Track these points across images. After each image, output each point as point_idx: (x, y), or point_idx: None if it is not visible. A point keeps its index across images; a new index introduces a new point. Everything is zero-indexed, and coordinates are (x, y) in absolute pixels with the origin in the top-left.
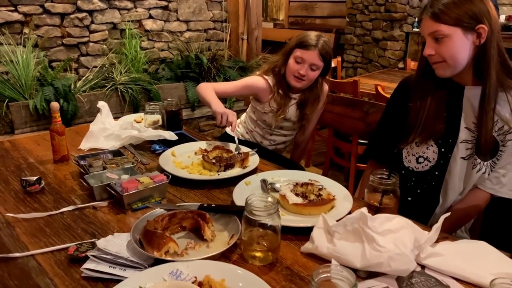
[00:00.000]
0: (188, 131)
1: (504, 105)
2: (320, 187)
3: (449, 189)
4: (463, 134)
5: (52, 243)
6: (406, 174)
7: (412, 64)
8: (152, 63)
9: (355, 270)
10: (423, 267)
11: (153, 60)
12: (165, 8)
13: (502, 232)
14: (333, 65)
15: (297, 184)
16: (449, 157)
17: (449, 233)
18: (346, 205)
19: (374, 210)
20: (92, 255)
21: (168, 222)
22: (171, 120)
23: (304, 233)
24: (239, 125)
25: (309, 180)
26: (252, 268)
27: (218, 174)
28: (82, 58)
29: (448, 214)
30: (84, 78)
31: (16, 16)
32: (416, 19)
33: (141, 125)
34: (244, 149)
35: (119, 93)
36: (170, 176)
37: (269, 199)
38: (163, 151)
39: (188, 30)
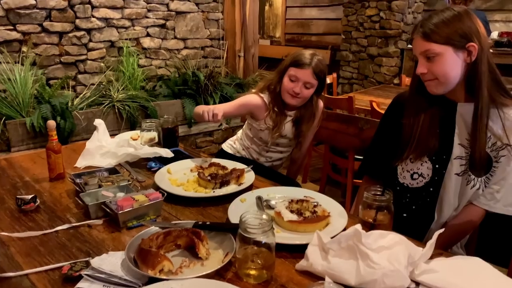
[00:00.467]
0: (184, 148)
1: (496, 121)
2: (315, 203)
3: (444, 205)
4: (457, 150)
5: (46, 262)
6: (401, 190)
7: (407, 80)
8: (150, 80)
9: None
10: (417, 283)
11: (151, 78)
12: (162, 26)
13: (498, 248)
14: (328, 81)
15: (292, 201)
16: (444, 173)
17: (444, 249)
18: (341, 221)
19: (369, 226)
20: (86, 274)
21: (163, 240)
22: (168, 137)
23: (299, 251)
24: (235, 142)
25: (304, 196)
26: (247, 286)
27: (214, 191)
28: (79, 76)
29: (442, 230)
30: (81, 95)
31: (14, 35)
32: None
33: (137, 143)
34: (239, 166)
35: (116, 110)
36: (165, 194)
37: (264, 216)
38: (159, 168)
39: (185, 47)
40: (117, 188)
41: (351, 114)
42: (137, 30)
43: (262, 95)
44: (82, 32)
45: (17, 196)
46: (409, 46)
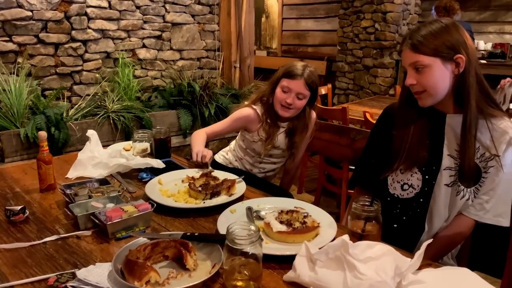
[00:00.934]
0: (176, 158)
1: (485, 132)
2: (305, 214)
3: (434, 216)
4: (446, 161)
5: (33, 274)
6: (391, 201)
7: None
8: (145, 91)
9: None
10: None
11: (146, 88)
12: (158, 37)
13: (490, 259)
14: (323, 92)
15: (282, 211)
16: (433, 184)
17: (435, 260)
18: (330, 232)
19: (358, 237)
20: (71, 286)
21: (150, 252)
22: (160, 148)
23: (288, 262)
24: (227, 153)
25: (295, 207)
26: None
27: (204, 202)
28: (75, 87)
29: (430, 241)
30: (76, 106)
31: (10, 46)
32: None
33: (129, 153)
34: (231, 176)
35: (111, 121)
36: (155, 205)
37: (251, 227)
38: (150, 179)
39: (181, 58)
40: (107, 199)
41: (344, 125)
42: (133, 41)
43: (255, 107)
44: (78, 43)
45: (6, 207)
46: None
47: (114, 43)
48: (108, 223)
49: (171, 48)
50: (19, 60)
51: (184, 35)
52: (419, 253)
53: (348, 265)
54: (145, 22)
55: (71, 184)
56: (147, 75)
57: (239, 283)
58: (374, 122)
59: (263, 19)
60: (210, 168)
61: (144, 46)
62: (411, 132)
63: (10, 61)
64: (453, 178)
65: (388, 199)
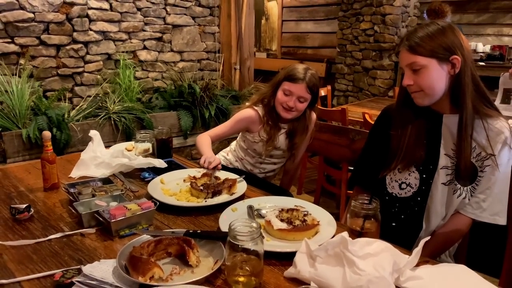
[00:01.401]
0: (178, 158)
1: (480, 131)
2: (305, 212)
3: (432, 214)
4: (443, 160)
5: (38, 270)
6: (390, 200)
7: None
8: (146, 92)
9: None
10: None
11: (147, 90)
12: (159, 39)
13: (488, 258)
14: (323, 93)
15: (282, 210)
16: (431, 183)
17: (433, 257)
18: (329, 230)
19: (356, 234)
20: (77, 281)
21: (154, 248)
22: (162, 148)
23: (288, 258)
24: (228, 153)
25: (295, 206)
26: None
27: (206, 201)
28: (76, 88)
29: (428, 238)
30: (77, 107)
31: (12, 47)
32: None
33: (131, 154)
34: (232, 176)
35: (112, 122)
36: (158, 203)
37: (253, 224)
38: (153, 178)
39: (181, 60)
40: (110, 198)
41: (343, 126)
42: (134, 43)
43: (256, 108)
44: (80, 45)
45: (11, 206)
46: None
47: (115, 45)
48: (112, 221)
49: (172, 50)
50: (21, 61)
51: (184, 37)
52: (417, 250)
53: (347, 261)
54: (146, 24)
55: (74, 183)
56: (148, 77)
57: (241, 279)
58: (373, 123)
59: (263, 21)
60: (218, 168)
61: (145, 47)
62: (408, 132)
63: (12, 62)
64: (449, 177)
65: (386, 198)
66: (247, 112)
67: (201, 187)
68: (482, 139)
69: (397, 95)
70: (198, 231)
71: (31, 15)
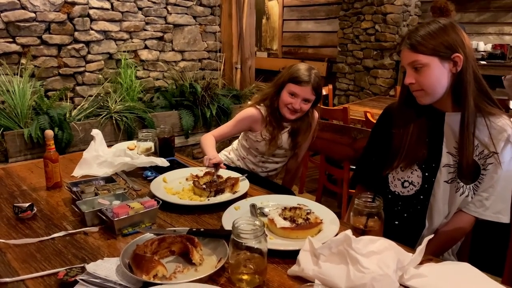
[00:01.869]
0: (180, 157)
1: (483, 129)
2: (308, 211)
3: (434, 212)
4: (445, 158)
5: (42, 268)
6: (392, 198)
7: None
8: (147, 92)
9: None
10: None
11: (148, 89)
12: (160, 39)
13: (491, 257)
14: (324, 92)
15: (285, 208)
16: (433, 181)
17: (436, 256)
18: (333, 228)
19: (360, 233)
20: (81, 279)
21: (157, 247)
22: (164, 147)
23: (292, 257)
24: (230, 152)
25: (298, 204)
26: None
27: (208, 200)
28: (78, 88)
29: (432, 236)
30: (79, 107)
31: (14, 47)
32: None
33: (134, 152)
34: (234, 174)
35: (114, 122)
36: (161, 202)
37: (256, 222)
38: (155, 177)
39: (183, 60)
40: (113, 196)
41: (345, 124)
42: (135, 43)
43: (258, 107)
44: (81, 45)
45: (15, 204)
46: None
47: (117, 44)
48: (115, 219)
49: (173, 49)
50: (23, 61)
51: (185, 37)
52: (421, 248)
53: (351, 259)
54: (147, 23)
55: (77, 182)
56: (149, 76)
57: (245, 277)
58: (375, 122)
59: (264, 20)
60: (221, 167)
61: (146, 47)
62: (410, 131)
63: (14, 62)
64: (452, 175)
65: (389, 196)
66: (249, 112)
67: (204, 186)
68: (485, 137)
69: (399, 94)
70: (201, 230)
71: (33, 14)
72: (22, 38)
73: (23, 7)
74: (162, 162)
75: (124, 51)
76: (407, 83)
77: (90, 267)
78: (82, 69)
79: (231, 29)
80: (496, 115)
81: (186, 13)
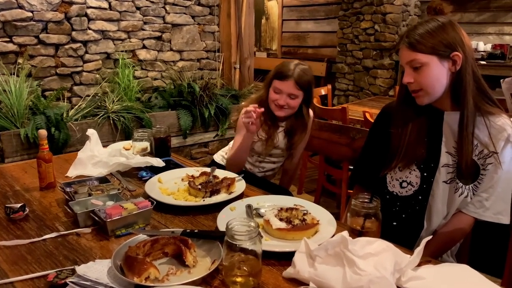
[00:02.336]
0: (176, 157)
1: (482, 129)
2: (305, 212)
3: (433, 213)
4: (444, 158)
5: (32, 271)
6: (390, 199)
7: None
8: (145, 91)
9: None
10: None
11: (146, 89)
12: (158, 38)
13: (491, 258)
14: (323, 92)
15: (281, 209)
16: (432, 181)
17: (435, 257)
18: (329, 229)
19: (357, 234)
20: (71, 282)
21: (150, 248)
22: (160, 147)
23: (287, 258)
24: (227, 153)
25: (294, 205)
26: None
27: (203, 200)
28: (75, 87)
29: (430, 237)
30: (76, 107)
31: (11, 46)
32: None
33: (129, 152)
34: (230, 175)
35: (111, 122)
36: (155, 202)
37: (250, 223)
38: (150, 177)
39: (181, 59)
40: (106, 197)
41: (344, 124)
42: (133, 42)
43: None
44: (78, 44)
45: (6, 205)
46: None
47: (114, 44)
48: (108, 220)
49: (171, 49)
50: (20, 60)
51: (184, 36)
52: (419, 250)
53: (348, 261)
54: (145, 23)
55: (71, 182)
56: (147, 76)
57: (239, 279)
58: None
59: (263, 20)
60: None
61: (144, 47)
62: (409, 130)
63: (11, 61)
64: (451, 175)
65: (387, 197)
66: None
67: (199, 186)
68: (484, 137)
69: (397, 93)
70: (195, 231)
71: (30, 14)
72: (19, 38)
73: (20, 7)
74: (158, 162)
75: (122, 51)
76: (405, 82)
77: (81, 269)
78: (79, 68)
79: (230, 28)
80: (495, 115)
81: (184, 13)
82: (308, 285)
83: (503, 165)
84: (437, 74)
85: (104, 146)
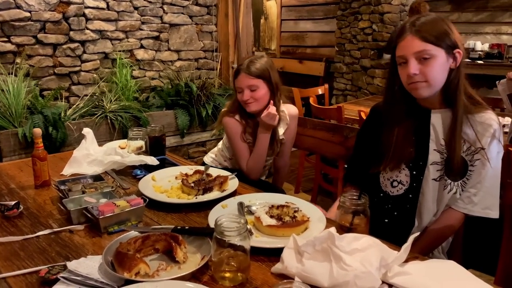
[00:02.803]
0: (171, 156)
1: (469, 125)
2: (296, 209)
3: (423, 210)
4: (433, 156)
5: (25, 266)
6: (383, 198)
7: None
8: (143, 91)
9: None
10: (390, 286)
11: (144, 89)
12: (156, 38)
13: (483, 255)
14: (320, 92)
15: (272, 206)
16: (421, 179)
17: (425, 254)
18: (319, 226)
19: (346, 230)
20: (62, 277)
21: (141, 244)
22: (154, 146)
23: (277, 254)
24: (216, 154)
25: (286, 202)
26: None
27: (196, 198)
28: (73, 87)
29: (417, 234)
30: (74, 106)
31: (9, 46)
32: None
33: (124, 151)
34: (223, 173)
35: (109, 121)
36: (147, 200)
37: (239, 219)
38: (144, 176)
39: (179, 59)
40: (100, 195)
41: (337, 123)
42: (131, 42)
43: (231, 114)
44: (76, 44)
45: (0, 203)
46: None
47: (112, 44)
48: (100, 217)
49: (169, 49)
50: (18, 60)
51: (182, 36)
52: (406, 246)
53: (334, 257)
54: (143, 23)
55: (65, 180)
56: (145, 76)
57: (227, 275)
58: None
59: (262, 20)
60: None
61: (142, 46)
62: (396, 132)
63: (9, 61)
64: (440, 172)
65: (380, 195)
66: (230, 125)
67: (192, 184)
68: (471, 133)
69: (384, 93)
70: (186, 227)
71: (28, 14)
72: (17, 38)
73: (18, 7)
74: (152, 160)
75: (120, 51)
76: (411, 73)
77: (72, 264)
78: (77, 68)
79: (228, 28)
80: (481, 112)
81: (182, 13)
82: (293, 279)
83: (491, 161)
84: (441, 68)
85: (101, 145)
